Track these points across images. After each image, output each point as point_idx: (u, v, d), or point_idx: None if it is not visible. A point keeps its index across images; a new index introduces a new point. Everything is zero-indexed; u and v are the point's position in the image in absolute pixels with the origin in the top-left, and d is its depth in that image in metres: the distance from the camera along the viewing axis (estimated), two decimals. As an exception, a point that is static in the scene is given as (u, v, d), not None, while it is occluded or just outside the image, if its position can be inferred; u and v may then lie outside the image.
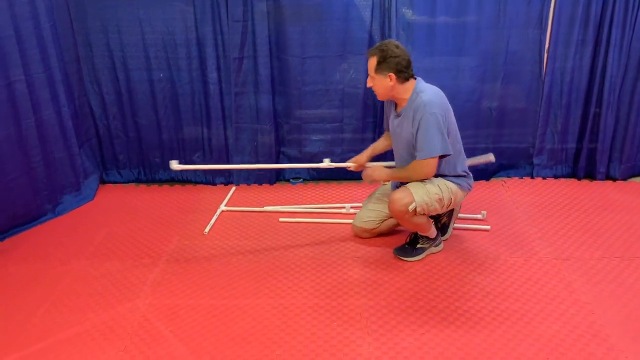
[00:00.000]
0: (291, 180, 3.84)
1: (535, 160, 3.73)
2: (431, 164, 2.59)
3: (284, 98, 3.64)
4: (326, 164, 3.01)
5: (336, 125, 3.67)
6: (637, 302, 2.44)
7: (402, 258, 2.82)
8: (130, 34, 3.48)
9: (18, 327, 2.40)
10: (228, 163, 3.77)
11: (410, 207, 2.59)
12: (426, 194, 2.61)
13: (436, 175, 2.69)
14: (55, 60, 3.30)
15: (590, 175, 3.74)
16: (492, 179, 3.76)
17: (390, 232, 3.05)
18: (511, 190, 3.60)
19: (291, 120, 3.69)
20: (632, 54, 3.43)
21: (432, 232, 2.81)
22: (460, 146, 2.74)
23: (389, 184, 3.03)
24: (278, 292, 2.59)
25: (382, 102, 2.99)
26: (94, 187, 3.73)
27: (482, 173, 3.71)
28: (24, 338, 2.33)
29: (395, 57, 2.53)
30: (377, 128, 3.64)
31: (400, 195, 2.64)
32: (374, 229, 2.98)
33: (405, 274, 2.70)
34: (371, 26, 3.41)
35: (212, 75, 3.54)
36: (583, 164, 3.71)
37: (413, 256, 2.81)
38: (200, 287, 2.65)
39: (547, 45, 3.46)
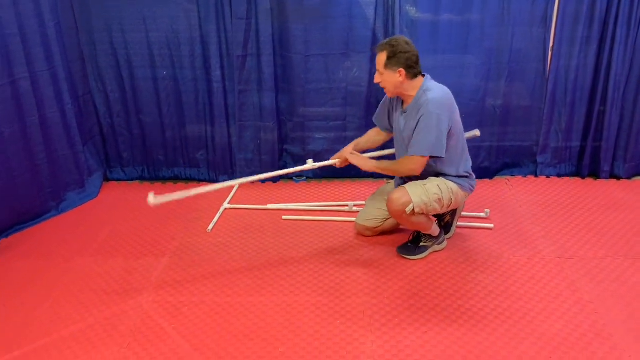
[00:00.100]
0: (294, 178, 3.84)
1: (539, 159, 3.72)
2: (419, 162, 2.57)
3: (288, 96, 3.64)
4: (309, 165, 2.89)
5: (339, 123, 3.67)
6: (641, 301, 2.44)
7: (405, 256, 2.82)
8: (134, 32, 3.49)
9: (22, 324, 2.41)
10: (231, 160, 3.78)
11: (408, 209, 2.58)
12: (425, 194, 2.60)
13: (437, 175, 2.68)
14: (59, 58, 3.31)
15: (595, 173, 3.72)
16: (495, 178, 3.76)
17: (393, 230, 3.04)
18: (515, 189, 3.59)
19: (294, 118, 3.69)
20: (637, 51, 3.41)
21: (435, 230, 2.80)
22: (464, 147, 2.72)
23: (392, 183, 3.03)
24: (281, 290, 2.60)
25: (380, 97, 2.97)
26: (98, 185, 3.74)
27: (485, 171, 3.71)
28: (27, 334, 2.35)
29: (406, 52, 2.52)
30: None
31: (397, 195, 2.63)
32: (377, 227, 2.98)
33: (408, 273, 2.70)
34: (375, 24, 3.40)
35: (216, 73, 3.54)
36: (587, 163, 3.70)
37: (416, 254, 2.81)
38: (204, 285, 2.66)
39: (551, 43, 3.45)
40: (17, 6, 3.02)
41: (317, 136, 3.71)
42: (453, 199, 2.68)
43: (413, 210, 2.59)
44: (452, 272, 2.70)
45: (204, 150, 3.80)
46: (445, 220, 2.95)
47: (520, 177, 3.76)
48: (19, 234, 3.19)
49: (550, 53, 3.47)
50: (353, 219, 3.14)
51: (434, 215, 2.82)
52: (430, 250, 2.83)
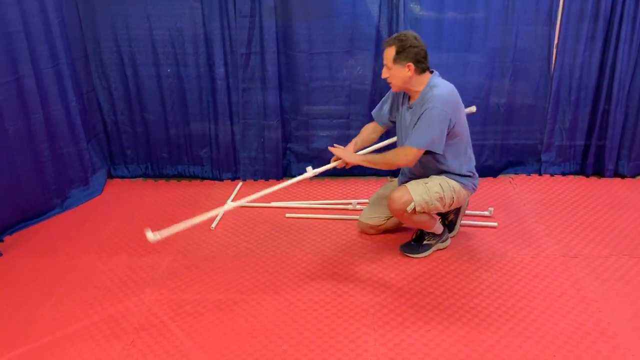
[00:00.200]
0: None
1: (543, 157, 3.71)
2: (413, 153, 2.54)
3: (291, 94, 3.64)
4: (310, 173, 2.74)
5: (343, 121, 3.67)
6: (645, 300, 2.43)
7: (409, 255, 2.82)
8: (138, 29, 3.49)
9: (25, 321, 2.42)
10: (235, 158, 3.79)
11: (409, 208, 2.58)
12: (426, 193, 2.60)
13: (440, 172, 2.68)
14: (63, 56, 3.32)
15: (599, 172, 3.71)
16: (499, 176, 3.75)
17: (397, 228, 3.04)
18: (519, 187, 3.58)
19: (298, 117, 3.69)
20: (642, 50, 3.40)
21: (437, 228, 2.79)
22: (467, 145, 2.71)
23: (395, 181, 3.02)
24: (284, 288, 2.60)
25: (384, 95, 2.94)
26: (102, 182, 3.75)
27: (489, 170, 3.70)
28: (31, 331, 2.35)
29: (415, 47, 2.51)
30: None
31: (398, 194, 2.62)
32: (380, 225, 2.98)
33: (412, 271, 2.70)
34: (379, 22, 3.39)
35: (220, 71, 3.54)
36: (591, 161, 3.69)
37: (419, 253, 2.81)
38: (207, 282, 2.66)
39: (556, 42, 3.44)
40: (22, 4, 3.02)
41: (320, 134, 3.71)
42: (455, 198, 2.67)
43: (414, 208, 2.58)
44: (455, 270, 2.69)
45: (207, 148, 3.80)
46: (449, 219, 2.94)
47: (524, 175, 3.75)
48: (23, 231, 3.20)
49: (554, 51, 3.46)
50: (356, 217, 3.14)
51: (438, 214, 2.81)
52: (433, 249, 2.83)
